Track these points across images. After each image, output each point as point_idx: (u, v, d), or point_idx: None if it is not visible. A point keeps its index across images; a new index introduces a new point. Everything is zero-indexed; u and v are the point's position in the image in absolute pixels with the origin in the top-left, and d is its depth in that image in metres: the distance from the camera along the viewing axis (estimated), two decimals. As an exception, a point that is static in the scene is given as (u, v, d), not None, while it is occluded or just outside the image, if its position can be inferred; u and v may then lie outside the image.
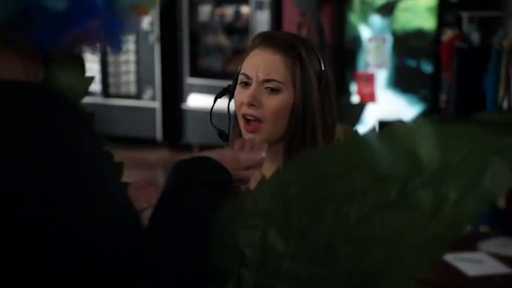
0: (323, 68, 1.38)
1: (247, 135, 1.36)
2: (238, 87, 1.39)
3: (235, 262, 0.84)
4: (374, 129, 0.83)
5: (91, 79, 1.28)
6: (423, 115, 5.91)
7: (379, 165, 0.81)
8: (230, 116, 1.42)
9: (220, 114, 1.46)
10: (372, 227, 0.80)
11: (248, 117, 1.35)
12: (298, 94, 1.34)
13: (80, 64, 1.26)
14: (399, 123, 0.82)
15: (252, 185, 1.40)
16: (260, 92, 1.34)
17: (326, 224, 0.82)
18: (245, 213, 0.84)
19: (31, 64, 0.82)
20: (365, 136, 0.82)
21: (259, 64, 1.36)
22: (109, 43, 0.83)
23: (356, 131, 0.84)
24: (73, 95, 1.24)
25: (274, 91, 1.34)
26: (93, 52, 0.84)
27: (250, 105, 1.34)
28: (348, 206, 0.81)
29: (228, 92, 1.42)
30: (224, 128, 1.44)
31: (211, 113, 1.46)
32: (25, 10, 0.75)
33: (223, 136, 1.44)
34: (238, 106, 1.38)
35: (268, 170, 1.39)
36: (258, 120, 1.35)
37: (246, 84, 1.37)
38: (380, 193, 0.81)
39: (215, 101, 1.44)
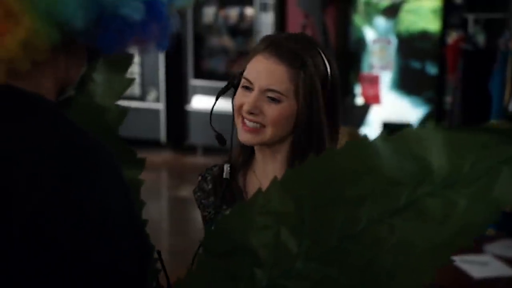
0: (329, 71, 1.35)
1: (243, 135, 1.34)
2: (239, 89, 1.37)
3: (248, 262, 0.84)
4: (384, 133, 0.82)
5: (131, 80, 1.27)
6: (428, 118, 5.91)
7: (389, 171, 0.81)
8: (234, 116, 1.39)
9: (220, 115, 1.45)
10: (381, 232, 0.80)
11: (248, 123, 1.33)
12: (303, 105, 1.32)
13: (124, 65, 1.26)
14: (410, 128, 0.82)
15: (251, 183, 1.42)
16: (260, 100, 1.32)
17: (337, 226, 0.82)
18: (257, 214, 0.84)
19: (74, 72, 0.84)
20: (375, 140, 0.82)
21: (261, 72, 1.33)
22: (159, 43, 0.85)
23: (365, 135, 0.84)
24: (108, 95, 1.24)
25: (274, 100, 1.32)
26: (143, 52, 0.85)
27: (250, 113, 1.32)
28: (359, 210, 0.81)
29: (233, 86, 1.39)
30: (225, 129, 1.41)
31: (211, 114, 1.44)
32: (100, 18, 0.76)
33: (222, 139, 1.43)
34: (238, 106, 1.36)
35: (270, 167, 1.39)
36: (260, 124, 1.33)
37: (247, 88, 1.35)
38: (390, 199, 0.81)
39: (218, 97, 1.42)
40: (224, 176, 1.42)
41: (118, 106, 1.26)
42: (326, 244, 0.82)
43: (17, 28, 0.72)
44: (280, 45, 1.34)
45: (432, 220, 0.80)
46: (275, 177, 0.84)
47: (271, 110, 1.32)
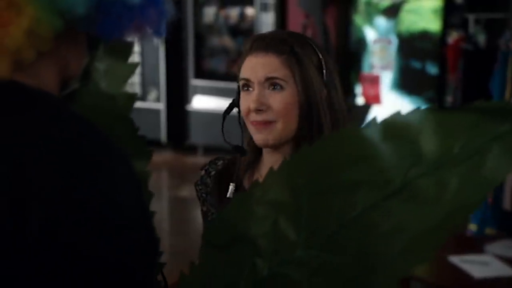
0: (320, 57, 1.34)
1: (257, 136, 1.33)
2: (241, 94, 1.36)
3: (249, 252, 0.85)
4: (375, 120, 0.83)
5: (135, 66, 1.27)
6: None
7: (382, 156, 0.82)
8: (242, 129, 1.39)
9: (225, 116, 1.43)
10: (377, 216, 0.82)
11: (259, 119, 1.32)
12: (301, 90, 1.31)
13: (125, 51, 1.25)
14: (399, 114, 0.83)
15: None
16: (263, 94, 1.32)
17: (334, 212, 0.83)
18: (255, 204, 0.85)
19: (76, 63, 0.84)
20: (366, 127, 0.83)
21: (255, 66, 1.33)
22: (156, 30, 0.85)
23: (356, 123, 0.86)
24: (114, 82, 1.24)
25: (277, 89, 1.31)
26: (140, 39, 0.85)
27: (258, 110, 1.31)
28: (354, 195, 0.82)
29: (235, 105, 1.39)
30: (230, 130, 1.41)
31: (222, 129, 1.41)
32: (100, 3, 0.77)
33: (242, 151, 1.40)
34: (245, 112, 1.35)
35: None
36: (270, 121, 1.32)
37: (248, 89, 1.34)
38: (384, 183, 0.82)
39: (224, 118, 1.40)
40: (228, 195, 1.40)
41: (125, 92, 1.26)
42: (325, 231, 0.83)
43: (20, 17, 0.73)
44: (265, 38, 1.35)
45: (426, 201, 0.81)
46: (271, 168, 0.85)
47: (277, 101, 1.31)
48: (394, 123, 0.83)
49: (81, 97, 1.19)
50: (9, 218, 0.67)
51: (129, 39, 0.85)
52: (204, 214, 1.49)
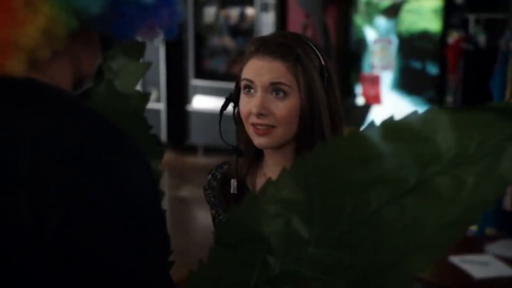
0: (323, 62, 1.34)
1: (257, 139, 1.33)
2: (242, 95, 1.35)
3: (261, 250, 0.85)
4: (390, 119, 0.83)
5: (147, 65, 1.27)
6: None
7: (398, 154, 0.83)
8: (237, 125, 1.39)
9: (224, 116, 1.43)
10: (392, 213, 0.82)
11: (259, 127, 1.32)
12: (304, 97, 1.31)
13: (138, 51, 1.25)
14: (415, 113, 0.84)
15: (259, 182, 1.41)
16: (266, 99, 1.31)
17: (347, 211, 0.83)
18: (268, 203, 0.86)
19: (90, 63, 0.84)
20: (382, 126, 0.84)
21: (260, 70, 1.32)
22: (168, 30, 0.86)
23: (372, 121, 0.86)
24: (127, 81, 1.24)
25: (280, 95, 1.31)
26: (153, 39, 0.86)
27: (260, 114, 1.31)
28: (369, 193, 0.83)
29: (232, 101, 1.39)
30: (230, 131, 1.40)
31: (220, 128, 1.40)
32: (114, 3, 0.77)
33: (239, 152, 1.40)
34: (245, 115, 1.34)
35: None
36: (270, 125, 1.31)
37: (249, 90, 1.33)
38: (400, 180, 0.82)
39: (221, 114, 1.40)
40: (232, 191, 1.41)
41: (138, 91, 1.27)
42: (337, 229, 0.83)
43: (37, 16, 0.73)
44: (270, 42, 1.34)
45: (442, 198, 0.82)
46: (284, 167, 0.86)
47: (279, 108, 1.30)
48: (410, 122, 0.83)
49: (95, 96, 1.20)
50: (29, 217, 0.67)
51: (141, 39, 0.85)
52: (213, 217, 1.50)
